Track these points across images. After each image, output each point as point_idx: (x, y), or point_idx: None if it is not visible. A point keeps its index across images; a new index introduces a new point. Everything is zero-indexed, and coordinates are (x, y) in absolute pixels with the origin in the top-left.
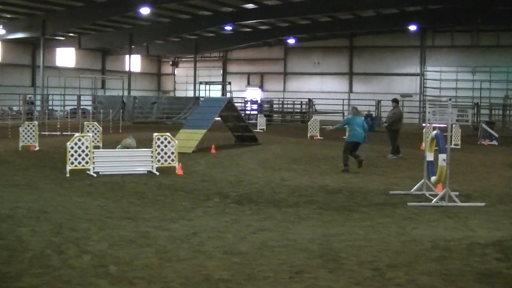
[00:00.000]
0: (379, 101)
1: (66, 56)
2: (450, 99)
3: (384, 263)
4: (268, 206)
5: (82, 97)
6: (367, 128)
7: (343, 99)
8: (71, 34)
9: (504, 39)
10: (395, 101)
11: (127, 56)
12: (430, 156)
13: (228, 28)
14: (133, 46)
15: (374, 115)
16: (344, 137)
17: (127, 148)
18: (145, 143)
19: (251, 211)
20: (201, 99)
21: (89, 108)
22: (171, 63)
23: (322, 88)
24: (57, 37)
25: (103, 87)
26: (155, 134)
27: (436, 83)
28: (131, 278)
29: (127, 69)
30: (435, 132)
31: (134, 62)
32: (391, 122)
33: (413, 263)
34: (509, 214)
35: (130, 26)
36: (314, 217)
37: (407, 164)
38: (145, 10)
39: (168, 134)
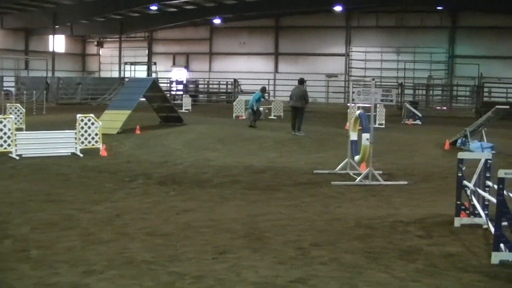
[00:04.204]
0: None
1: None
2: (373, 79)
3: (308, 242)
4: (193, 186)
5: (4, 78)
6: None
7: (269, 79)
8: None
9: (427, 20)
10: (298, 80)
11: (51, 36)
12: (353, 136)
13: (154, 7)
14: (57, 26)
15: None
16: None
17: None
18: (69, 124)
19: (175, 192)
20: (126, 79)
21: (12, 89)
22: (96, 43)
23: (248, 68)
24: None
25: (26, 68)
26: (78, 115)
27: (361, 63)
28: (53, 262)
29: (51, 49)
30: (358, 112)
31: (58, 43)
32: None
33: (336, 241)
34: (431, 192)
35: (53, 5)
36: (238, 197)
37: (331, 143)
38: None
39: (92, 115)
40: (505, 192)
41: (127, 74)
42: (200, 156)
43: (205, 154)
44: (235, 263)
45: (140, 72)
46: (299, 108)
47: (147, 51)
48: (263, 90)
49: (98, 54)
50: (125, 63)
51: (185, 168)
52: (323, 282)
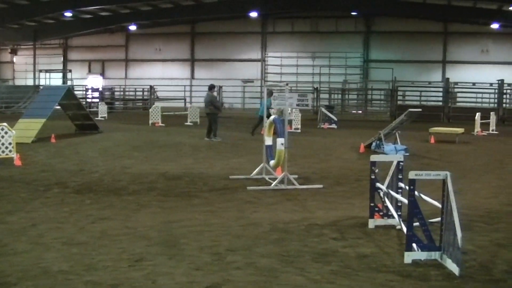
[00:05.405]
0: (220, 87)
1: None
2: (287, 84)
3: (224, 247)
4: (108, 194)
5: None
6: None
7: (185, 86)
8: None
9: (342, 26)
10: (208, 87)
11: None
12: (268, 141)
13: (68, 14)
14: None
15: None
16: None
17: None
18: None
19: (90, 200)
20: (41, 87)
21: None
22: (9, 50)
23: (164, 75)
24: None
25: None
26: None
27: (277, 69)
28: None
29: None
30: (272, 117)
31: None
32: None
33: (252, 246)
34: (346, 194)
35: None
36: (154, 204)
37: (247, 148)
38: None
39: (5, 124)
40: (416, 193)
41: (42, 82)
42: (116, 163)
43: (121, 161)
44: (151, 270)
45: (56, 79)
46: (210, 114)
47: (62, 58)
48: (270, 93)
49: (12, 62)
50: (40, 71)
51: (101, 176)
52: (239, 286)
